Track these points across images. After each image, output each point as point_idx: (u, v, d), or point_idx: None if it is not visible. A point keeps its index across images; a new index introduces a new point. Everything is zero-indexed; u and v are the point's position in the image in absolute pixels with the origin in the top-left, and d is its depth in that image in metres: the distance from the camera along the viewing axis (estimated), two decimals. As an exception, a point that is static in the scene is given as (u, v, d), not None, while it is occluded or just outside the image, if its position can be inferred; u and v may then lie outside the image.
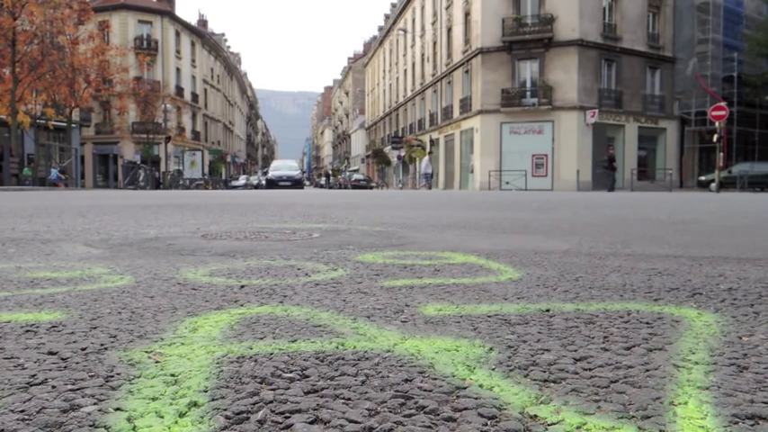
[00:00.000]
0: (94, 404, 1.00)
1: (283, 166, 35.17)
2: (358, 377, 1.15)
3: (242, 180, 50.90)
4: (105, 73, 33.20)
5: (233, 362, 1.23)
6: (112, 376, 1.14)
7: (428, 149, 30.36)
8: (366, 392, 1.07)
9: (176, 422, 0.93)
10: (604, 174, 25.06)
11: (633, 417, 0.97)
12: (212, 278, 2.30)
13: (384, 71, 60.54)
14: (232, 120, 73.77)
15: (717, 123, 23.25)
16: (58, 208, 7.61)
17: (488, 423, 0.94)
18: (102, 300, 1.87)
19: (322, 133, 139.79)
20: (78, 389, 1.07)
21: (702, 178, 28.75)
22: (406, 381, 1.13)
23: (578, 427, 0.93)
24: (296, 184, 30.56)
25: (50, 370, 1.18)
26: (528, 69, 30.97)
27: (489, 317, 1.66)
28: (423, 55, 44.60)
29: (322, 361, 1.25)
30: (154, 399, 1.02)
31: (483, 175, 30.51)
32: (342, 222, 5.27)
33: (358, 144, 78.18)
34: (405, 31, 49.43)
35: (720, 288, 2.13)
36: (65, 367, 1.20)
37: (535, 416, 0.97)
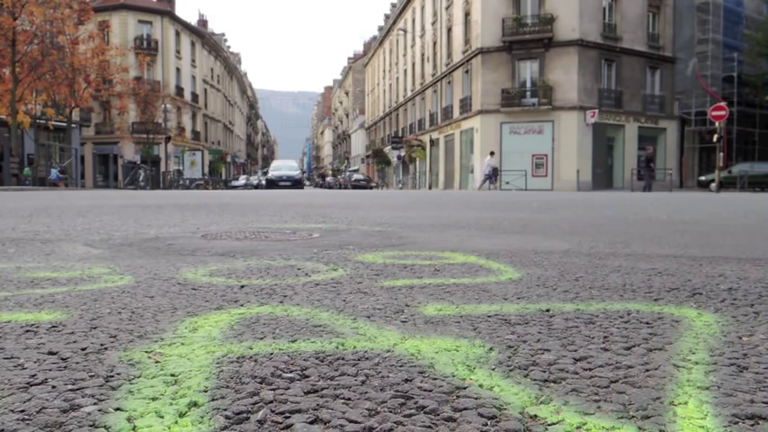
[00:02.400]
0: (94, 404, 1.00)
1: (283, 166, 35.14)
2: (358, 377, 1.15)
3: (242, 180, 50.90)
4: (105, 73, 33.20)
5: (233, 362, 1.23)
6: (112, 376, 1.14)
7: (490, 149, 29.96)
8: (366, 392, 1.07)
9: (176, 422, 0.93)
10: (645, 174, 25.02)
11: (633, 417, 0.97)
12: (212, 278, 2.30)
13: (384, 71, 60.51)
14: (232, 120, 73.74)
15: (717, 123, 23.24)
16: (57, 208, 7.61)
17: (488, 423, 0.94)
18: (102, 300, 1.87)
19: (322, 133, 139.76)
20: (78, 389, 1.07)
21: (702, 178, 28.74)
22: (406, 381, 1.13)
23: (578, 427, 0.93)
24: (296, 184, 30.55)
25: (50, 370, 1.18)
26: (528, 69, 30.97)
27: (489, 317, 1.66)
28: (423, 55, 44.58)
29: (322, 361, 1.24)
30: (154, 399, 1.02)
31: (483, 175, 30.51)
32: (342, 222, 5.27)
33: (358, 144, 78.13)
34: (405, 31, 49.41)
35: (720, 288, 2.13)
36: (65, 367, 1.20)
37: (535, 416, 0.97)
